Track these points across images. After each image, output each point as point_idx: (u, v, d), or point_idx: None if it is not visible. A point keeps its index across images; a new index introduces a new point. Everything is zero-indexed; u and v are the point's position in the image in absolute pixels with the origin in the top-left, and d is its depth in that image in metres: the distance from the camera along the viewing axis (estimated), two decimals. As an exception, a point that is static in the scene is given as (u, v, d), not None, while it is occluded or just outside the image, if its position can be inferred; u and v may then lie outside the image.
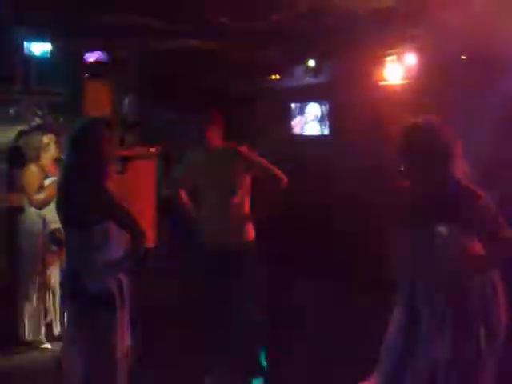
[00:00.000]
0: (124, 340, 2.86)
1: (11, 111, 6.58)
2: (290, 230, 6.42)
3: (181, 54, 5.88)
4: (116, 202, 2.78)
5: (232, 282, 3.86)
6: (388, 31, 5.41)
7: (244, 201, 3.90)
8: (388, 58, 6.10)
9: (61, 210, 2.90)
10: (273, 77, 8.15)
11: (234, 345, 4.01)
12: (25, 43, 5.18)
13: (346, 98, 7.34)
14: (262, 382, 3.96)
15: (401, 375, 2.73)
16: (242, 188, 3.87)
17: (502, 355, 2.64)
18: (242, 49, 5.96)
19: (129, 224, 2.81)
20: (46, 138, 4.64)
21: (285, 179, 3.90)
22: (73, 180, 2.82)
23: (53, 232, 4.26)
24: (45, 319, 4.59)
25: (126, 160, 5.06)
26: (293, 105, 9.10)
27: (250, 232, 3.95)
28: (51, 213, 3.94)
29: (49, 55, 5.21)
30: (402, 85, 6.17)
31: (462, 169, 2.66)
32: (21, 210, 4.72)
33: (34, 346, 4.54)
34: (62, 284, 2.92)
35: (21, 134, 5.90)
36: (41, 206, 4.52)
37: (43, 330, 4.58)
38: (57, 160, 4.57)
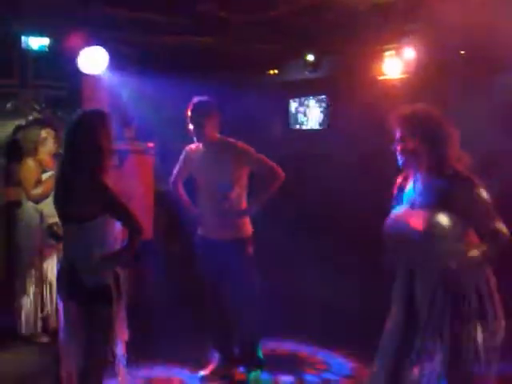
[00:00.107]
0: (121, 333, 2.86)
1: (8, 105, 6.55)
2: (290, 223, 6.43)
3: (179, 48, 5.87)
4: (113, 195, 2.77)
5: (228, 276, 3.87)
6: (387, 26, 5.40)
7: (241, 195, 3.90)
8: (387, 53, 6.08)
9: (58, 203, 2.90)
10: (271, 71, 8.12)
11: (230, 337, 4.02)
12: (22, 37, 5.15)
13: (345, 92, 7.33)
14: (259, 374, 3.97)
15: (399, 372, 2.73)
16: (238, 183, 3.87)
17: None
18: (241, 43, 5.94)
19: (126, 217, 2.81)
20: (44, 132, 4.64)
21: (282, 174, 3.90)
22: (70, 173, 2.82)
23: (50, 226, 4.25)
24: (42, 313, 4.59)
25: (124, 154, 5.06)
26: (291, 99, 9.08)
27: (247, 226, 3.94)
28: (49, 207, 3.93)
29: (47, 49, 5.18)
30: (401, 79, 6.15)
31: (459, 155, 2.67)
32: (18, 204, 4.72)
33: (30, 339, 4.54)
34: (58, 277, 2.91)
35: (18, 128, 5.89)
36: (38, 200, 4.52)
37: (40, 323, 4.58)
38: (55, 154, 4.56)
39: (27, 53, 5.58)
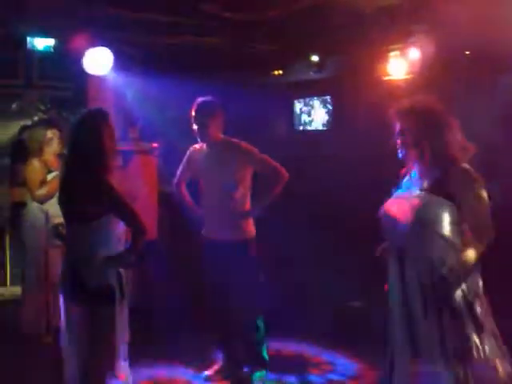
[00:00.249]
0: (123, 333, 2.86)
1: (14, 106, 6.58)
2: (293, 223, 6.42)
3: (183, 48, 5.87)
4: (117, 195, 2.78)
5: (232, 276, 3.86)
6: (392, 27, 5.39)
7: (245, 196, 3.90)
8: (391, 53, 6.07)
9: (62, 204, 2.91)
10: (276, 72, 8.12)
11: (235, 337, 4.02)
12: (27, 38, 5.17)
13: (350, 92, 7.32)
14: (264, 375, 3.97)
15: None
16: (242, 183, 3.86)
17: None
18: (245, 44, 5.94)
19: (130, 218, 2.81)
20: (49, 133, 4.65)
21: (286, 175, 3.89)
22: (74, 173, 2.82)
23: (56, 226, 4.25)
24: (46, 312, 4.60)
25: (128, 154, 5.07)
26: (296, 100, 9.08)
27: (251, 227, 3.94)
28: (54, 207, 3.94)
29: (52, 49, 5.20)
30: (406, 80, 6.14)
31: (464, 145, 2.67)
32: (23, 204, 4.74)
33: (34, 339, 4.55)
34: (61, 277, 2.91)
35: (24, 128, 5.91)
36: (43, 200, 4.53)
37: (44, 323, 4.59)
38: (60, 155, 4.57)
39: (32, 53, 5.60)
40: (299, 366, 4.23)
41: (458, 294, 2.58)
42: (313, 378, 4.06)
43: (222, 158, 3.84)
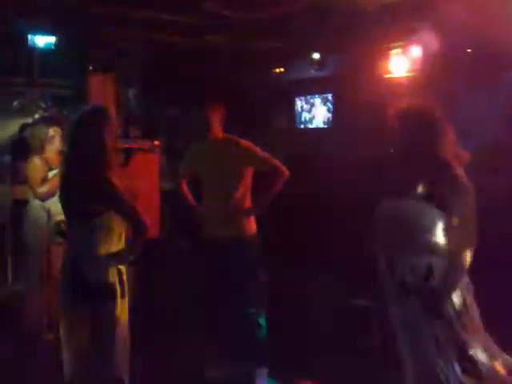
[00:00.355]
0: (124, 330, 2.86)
1: (15, 103, 6.58)
2: (292, 221, 6.42)
3: (183, 46, 5.87)
4: (118, 192, 2.77)
5: (232, 276, 3.86)
6: (394, 25, 5.39)
7: (245, 194, 3.90)
8: (393, 51, 6.07)
9: (63, 201, 2.91)
10: (277, 70, 8.12)
11: (236, 336, 4.02)
12: (29, 36, 5.16)
13: (351, 90, 7.31)
14: (265, 373, 3.97)
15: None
16: (243, 181, 3.86)
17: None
18: (246, 41, 5.94)
19: (131, 215, 2.80)
20: (51, 131, 4.65)
21: (286, 173, 3.89)
22: (74, 171, 2.82)
23: (58, 224, 4.26)
24: (48, 310, 4.60)
25: (129, 152, 5.07)
26: (297, 98, 9.08)
27: (252, 226, 3.94)
28: (56, 205, 3.94)
29: (53, 47, 5.19)
30: (407, 77, 6.14)
31: (457, 153, 2.67)
32: (25, 202, 4.74)
33: (35, 337, 4.55)
34: (62, 274, 2.91)
35: (24, 126, 5.91)
36: (44, 198, 4.53)
37: (46, 321, 4.59)
38: (61, 152, 4.57)
39: (33, 51, 5.60)
40: (301, 364, 4.23)
41: (447, 304, 2.59)
42: (313, 375, 4.06)
43: (222, 156, 3.84)
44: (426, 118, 2.68)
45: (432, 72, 5.84)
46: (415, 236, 2.59)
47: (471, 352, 2.55)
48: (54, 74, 6.47)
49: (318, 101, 8.80)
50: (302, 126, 9.09)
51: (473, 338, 2.58)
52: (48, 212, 4.52)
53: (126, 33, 5.25)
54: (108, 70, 5.46)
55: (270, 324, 3.97)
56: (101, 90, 5.44)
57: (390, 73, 6.26)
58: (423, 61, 5.79)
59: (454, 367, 2.55)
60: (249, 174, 3.91)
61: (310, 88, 8.62)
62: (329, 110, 8.60)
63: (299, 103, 9.09)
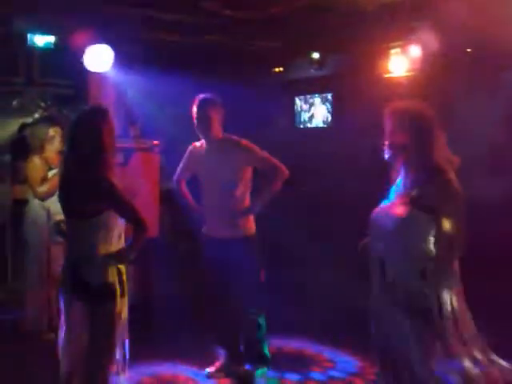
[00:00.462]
0: (124, 330, 2.86)
1: (14, 103, 6.57)
2: (293, 221, 6.42)
3: (184, 45, 5.87)
4: (117, 191, 2.76)
5: (233, 274, 3.86)
6: (393, 24, 5.39)
7: (245, 193, 3.90)
8: (392, 51, 6.06)
9: (62, 201, 2.90)
10: (276, 69, 8.11)
11: (236, 336, 4.02)
12: (28, 35, 5.16)
13: (351, 90, 7.31)
14: (266, 372, 3.97)
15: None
16: (242, 181, 3.86)
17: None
18: (245, 41, 5.94)
19: (131, 214, 2.80)
20: (52, 131, 4.65)
21: (286, 172, 3.89)
22: (73, 170, 2.82)
23: (57, 223, 4.25)
24: (48, 309, 4.60)
25: (129, 152, 5.07)
26: (296, 97, 9.07)
27: (251, 225, 3.94)
28: (55, 204, 3.92)
29: (52, 46, 5.19)
30: (407, 77, 6.13)
31: (449, 158, 2.67)
32: (25, 201, 4.74)
33: (36, 336, 4.55)
34: (62, 274, 2.91)
35: (24, 126, 5.91)
36: (44, 197, 4.53)
37: (46, 320, 4.59)
38: (61, 152, 4.57)
39: (33, 51, 5.59)
40: (300, 363, 4.24)
41: (435, 307, 2.59)
42: (314, 375, 4.06)
43: (222, 156, 3.84)
44: (419, 122, 2.68)
45: (432, 72, 5.84)
46: (406, 241, 2.59)
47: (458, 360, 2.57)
48: (53, 73, 6.46)
49: (317, 100, 8.80)
50: (302, 126, 9.08)
51: (462, 348, 2.59)
52: (48, 211, 4.52)
53: (127, 32, 5.24)
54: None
55: (269, 324, 3.97)
56: (100, 90, 5.44)
57: (389, 72, 6.25)
58: (423, 60, 5.78)
59: (441, 366, 2.56)
60: (248, 173, 3.91)
61: (309, 87, 8.62)
62: (328, 110, 8.60)
63: (299, 103, 9.09)
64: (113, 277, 2.77)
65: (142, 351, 3.23)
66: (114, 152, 2.87)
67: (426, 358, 2.59)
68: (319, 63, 6.95)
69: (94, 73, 5.23)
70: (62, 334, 2.84)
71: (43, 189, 4.53)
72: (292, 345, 4.55)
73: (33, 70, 6.60)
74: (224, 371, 4.02)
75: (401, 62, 6.02)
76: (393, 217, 2.64)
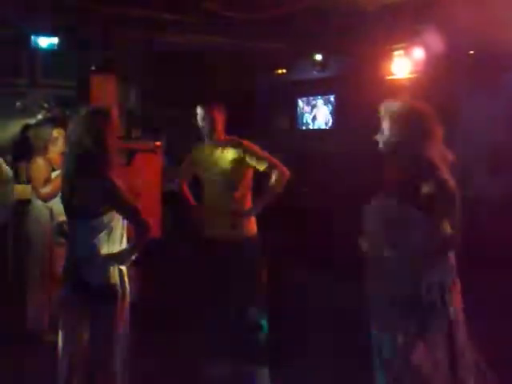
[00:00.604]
0: (125, 331, 2.86)
1: (18, 104, 6.58)
2: (292, 221, 6.42)
3: (184, 47, 5.88)
4: (120, 192, 2.76)
5: (234, 275, 3.86)
6: (396, 26, 5.39)
7: (246, 195, 3.90)
8: (395, 53, 6.07)
9: (64, 201, 2.91)
10: (279, 71, 8.12)
11: (236, 336, 4.02)
12: (31, 36, 5.17)
13: (353, 92, 7.32)
14: (266, 372, 3.96)
15: None
16: (243, 182, 3.86)
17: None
18: (248, 42, 5.95)
19: (133, 215, 2.80)
20: (55, 132, 4.65)
21: (288, 173, 3.89)
22: (74, 171, 2.82)
23: (60, 224, 4.26)
24: (49, 310, 4.60)
25: (131, 153, 5.08)
26: (299, 99, 9.08)
27: (252, 226, 3.94)
28: (58, 205, 3.93)
29: (56, 48, 5.20)
30: (410, 79, 6.13)
31: (444, 154, 2.67)
32: (28, 202, 4.74)
33: (37, 337, 4.55)
34: (63, 275, 2.91)
35: (26, 127, 5.92)
36: (47, 199, 4.53)
37: (47, 321, 4.59)
38: (63, 153, 4.57)
39: (36, 52, 5.60)
40: (302, 365, 4.23)
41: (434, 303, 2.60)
42: (316, 376, 4.06)
43: (224, 157, 3.85)
44: (415, 118, 2.67)
45: (434, 73, 5.84)
46: (400, 238, 2.58)
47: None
48: (56, 74, 6.48)
49: (320, 102, 8.80)
50: (304, 127, 9.09)
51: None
52: (50, 212, 4.52)
53: (126, 33, 5.25)
54: (109, 70, 5.47)
55: (270, 324, 3.97)
56: (102, 91, 5.45)
57: (392, 74, 6.26)
58: (426, 62, 5.78)
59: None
60: (250, 174, 3.91)
61: (312, 89, 8.62)
62: (331, 111, 8.60)
63: (301, 104, 9.10)
64: (114, 278, 2.77)
65: (142, 352, 3.22)
66: (116, 153, 2.87)
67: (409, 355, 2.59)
68: (322, 65, 6.96)
69: (97, 74, 5.24)
70: (62, 334, 2.84)
71: (46, 190, 4.53)
72: (293, 346, 4.54)
73: (36, 72, 6.63)
74: (224, 371, 4.01)
75: (404, 64, 6.03)
76: (384, 212, 2.64)
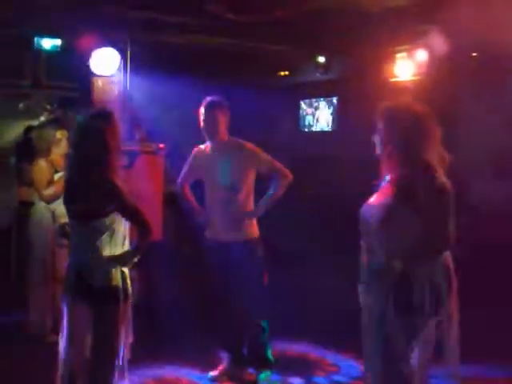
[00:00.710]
0: (127, 333, 2.86)
1: (21, 105, 6.60)
2: (297, 225, 6.42)
3: (189, 48, 5.88)
4: (122, 194, 2.77)
5: (237, 277, 3.85)
6: (399, 28, 5.39)
7: (248, 197, 3.89)
8: (398, 55, 6.06)
9: (67, 203, 2.91)
10: (282, 73, 8.12)
11: (238, 338, 4.01)
12: (35, 38, 5.18)
13: (356, 94, 7.31)
14: (269, 375, 3.96)
15: None
16: (246, 184, 3.86)
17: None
18: (251, 44, 5.95)
19: (135, 217, 2.81)
20: (58, 134, 4.65)
21: (290, 176, 3.89)
22: (77, 173, 2.83)
23: (62, 226, 4.26)
24: (52, 311, 4.60)
25: (134, 155, 5.08)
26: (302, 101, 9.08)
27: (255, 228, 3.93)
28: (60, 207, 3.92)
29: (59, 49, 5.21)
30: (413, 81, 6.12)
31: (441, 156, 2.66)
32: (30, 203, 4.75)
33: (39, 338, 4.55)
34: (65, 276, 2.91)
35: (29, 128, 5.92)
36: (50, 200, 4.54)
37: (50, 322, 4.59)
38: (66, 154, 4.57)
39: (39, 53, 5.61)
40: (304, 367, 4.23)
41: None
42: (317, 379, 4.05)
43: (226, 159, 3.84)
44: (412, 118, 2.67)
45: (438, 76, 5.83)
46: (387, 233, 2.57)
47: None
48: (60, 76, 6.49)
49: (322, 104, 8.80)
50: (307, 129, 9.08)
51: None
52: (53, 213, 4.53)
53: (132, 35, 5.26)
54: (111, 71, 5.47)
55: (271, 325, 3.97)
56: (106, 92, 5.45)
57: (395, 76, 6.25)
58: (429, 64, 5.78)
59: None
60: (252, 176, 3.91)
61: (314, 91, 8.62)
62: (333, 114, 8.60)
63: (304, 106, 9.10)
64: (116, 280, 2.77)
65: (145, 354, 3.22)
66: (118, 154, 2.87)
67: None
68: (325, 67, 6.95)
69: (100, 76, 5.25)
70: (64, 336, 2.84)
71: (49, 192, 4.54)
72: (295, 348, 4.54)
73: (39, 73, 6.63)
74: (227, 375, 4.01)
75: (407, 66, 6.02)
76: (376, 210, 2.63)
